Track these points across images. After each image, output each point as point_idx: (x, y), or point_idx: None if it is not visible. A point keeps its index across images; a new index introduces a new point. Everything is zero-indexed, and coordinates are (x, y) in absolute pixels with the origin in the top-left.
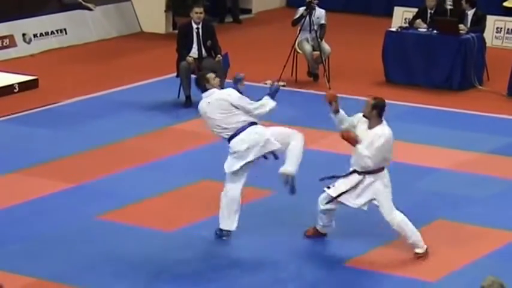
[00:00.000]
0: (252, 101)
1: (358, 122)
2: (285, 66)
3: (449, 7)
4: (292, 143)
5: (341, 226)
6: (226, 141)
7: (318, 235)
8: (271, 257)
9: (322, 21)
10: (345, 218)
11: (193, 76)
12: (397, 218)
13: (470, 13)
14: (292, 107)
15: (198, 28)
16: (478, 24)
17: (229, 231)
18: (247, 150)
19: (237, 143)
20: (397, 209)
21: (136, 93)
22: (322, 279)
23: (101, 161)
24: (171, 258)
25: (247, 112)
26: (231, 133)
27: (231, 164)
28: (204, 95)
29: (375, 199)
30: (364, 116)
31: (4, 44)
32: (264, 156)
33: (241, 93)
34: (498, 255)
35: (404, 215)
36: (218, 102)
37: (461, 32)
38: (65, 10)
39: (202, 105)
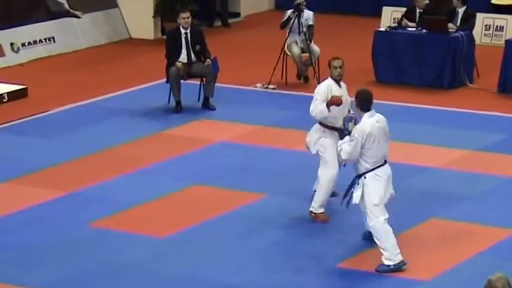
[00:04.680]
0: None
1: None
2: (274, 69)
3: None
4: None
5: (333, 227)
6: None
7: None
8: (264, 259)
9: (311, 22)
10: (337, 219)
11: (182, 81)
12: None
13: (461, 11)
14: (282, 109)
15: (186, 33)
16: (468, 21)
17: None
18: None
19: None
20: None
21: (126, 99)
22: (314, 281)
23: (92, 168)
24: (164, 264)
25: None
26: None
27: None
28: (367, 114)
29: None
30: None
31: None
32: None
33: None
34: (492, 252)
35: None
36: (385, 126)
37: (450, 30)
38: (52, 18)
39: (373, 123)
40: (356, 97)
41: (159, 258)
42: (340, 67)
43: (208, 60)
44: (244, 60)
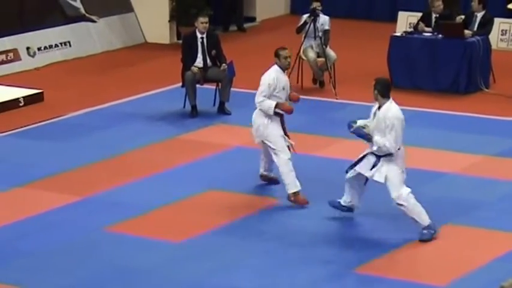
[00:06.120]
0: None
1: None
2: (290, 74)
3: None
4: None
5: (349, 232)
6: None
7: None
8: (280, 264)
9: (326, 27)
10: (350, 225)
11: (198, 86)
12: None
13: (479, 15)
14: (298, 114)
15: (202, 38)
16: (485, 27)
17: None
18: None
19: None
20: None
21: (142, 104)
22: (331, 286)
23: (107, 172)
24: (179, 270)
25: None
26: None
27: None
28: (389, 100)
29: None
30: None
31: (8, 58)
32: None
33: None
34: (508, 258)
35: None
36: None
37: (466, 35)
38: (68, 22)
39: (399, 108)
40: (376, 85)
41: (174, 264)
42: (290, 57)
43: (224, 64)
44: (259, 64)
